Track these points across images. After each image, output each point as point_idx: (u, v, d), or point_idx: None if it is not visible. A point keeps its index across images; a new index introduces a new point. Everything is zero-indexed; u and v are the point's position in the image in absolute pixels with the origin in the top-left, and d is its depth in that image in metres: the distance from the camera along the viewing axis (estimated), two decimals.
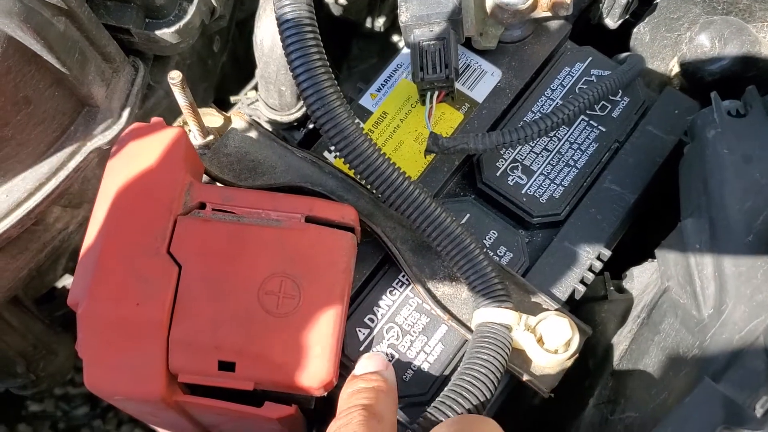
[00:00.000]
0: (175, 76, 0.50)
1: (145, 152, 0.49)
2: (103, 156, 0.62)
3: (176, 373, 0.45)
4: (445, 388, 0.44)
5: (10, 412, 1.25)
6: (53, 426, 1.30)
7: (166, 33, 0.61)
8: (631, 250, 0.61)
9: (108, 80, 0.61)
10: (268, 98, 0.61)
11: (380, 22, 0.85)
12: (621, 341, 0.53)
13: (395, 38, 0.91)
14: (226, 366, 0.45)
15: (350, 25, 0.92)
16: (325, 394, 0.47)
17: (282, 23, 0.46)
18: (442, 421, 0.41)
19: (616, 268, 0.60)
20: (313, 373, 0.45)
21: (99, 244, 0.46)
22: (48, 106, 0.57)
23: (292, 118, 0.63)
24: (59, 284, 0.81)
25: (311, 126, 0.63)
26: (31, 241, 0.65)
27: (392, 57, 0.61)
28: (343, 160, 0.49)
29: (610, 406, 0.49)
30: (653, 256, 0.57)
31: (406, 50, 0.59)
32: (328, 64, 0.47)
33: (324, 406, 0.68)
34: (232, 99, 0.66)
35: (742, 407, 0.37)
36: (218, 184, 0.54)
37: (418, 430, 0.42)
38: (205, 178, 0.54)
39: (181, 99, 0.52)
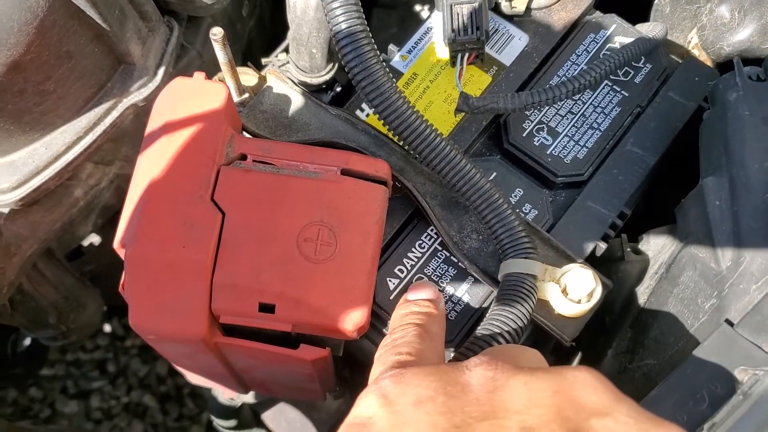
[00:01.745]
0: (216, 32, 0.52)
1: (188, 105, 0.50)
2: (137, 114, 0.64)
3: (218, 315, 0.47)
4: (477, 329, 0.46)
5: (21, 376, 1.27)
6: (64, 390, 1.33)
7: None
8: (646, 217, 0.63)
9: (144, 39, 0.63)
10: (299, 60, 0.63)
11: None
12: (639, 296, 0.55)
13: (416, 8, 0.93)
14: (267, 308, 0.47)
15: None
16: (358, 337, 0.49)
17: None
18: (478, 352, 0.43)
19: (631, 232, 0.62)
20: (348, 316, 0.47)
21: (146, 191, 0.48)
22: (88, 62, 0.59)
23: (321, 80, 0.64)
24: (86, 243, 0.84)
25: (338, 89, 0.65)
26: (65, 195, 0.67)
27: (421, 22, 0.63)
28: (378, 116, 0.51)
29: (629, 356, 0.51)
30: (666, 222, 0.59)
31: (436, 14, 0.61)
32: (367, 24, 0.49)
33: (345, 366, 0.71)
34: (263, 61, 0.67)
35: (759, 348, 0.39)
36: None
37: (462, 356, 0.44)
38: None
39: (221, 55, 0.54)
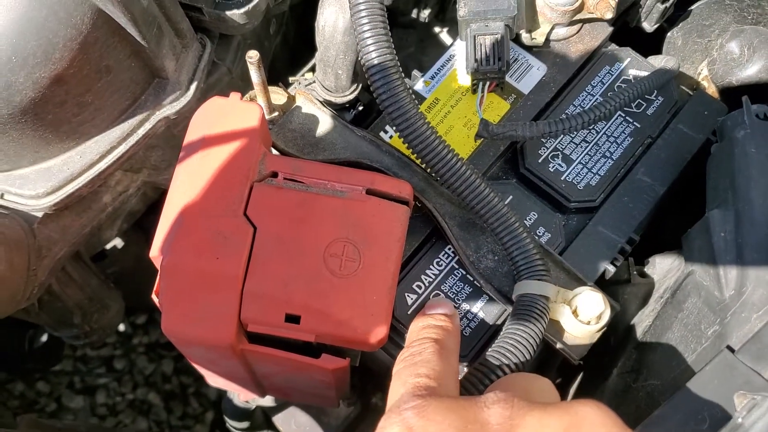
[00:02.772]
0: (252, 56, 0.54)
1: (224, 123, 0.53)
2: (167, 126, 0.67)
3: (246, 323, 0.49)
4: (490, 348, 0.48)
5: (33, 371, 1.29)
6: (70, 385, 1.35)
7: (235, 14, 0.65)
8: (652, 241, 0.65)
9: (178, 55, 0.65)
10: (325, 80, 0.66)
11: (425, 14, 0.89)
12: (644, 319, 0.57)
13: (435, 30, 0.95)
14: (292, 319, 0.49)
15: (390, 14, 0.96)
16: (377, 349, 0.51)
17: (355, 5, 0.51)
18: (491, 375, 0.46)
19: (638, 256, 0.65)
20: (370, 328, 0.49)
21: (183, 204, 0.50)
22: (125, 76, 0.61)
23: (345, 100, 0.67)
24: (108, 246, 0.86)
25: (360, 108, 0.68)
26: (95, 201, 0.69)
27: (436, 48, 0.66)
28: (402, 139, 0.53)
29: (633, 375, 0.54)
30: (673, 247, 0.62)
31: (459, 42, 0.64)
32: (394, 49, 0.52)
33: (355, 375, 0.73)
34: (290, 79, 0.70)
35: (758, 374, 0.42)
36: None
37: (474, 382, 0.46)
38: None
39: (255, 76, 0.56)
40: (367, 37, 0.50)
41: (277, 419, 0.81)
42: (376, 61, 0.51)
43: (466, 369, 0.49)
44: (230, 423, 0.80)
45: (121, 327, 1.37)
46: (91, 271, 0.76)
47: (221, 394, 0.99)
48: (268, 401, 0.74)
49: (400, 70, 0.52)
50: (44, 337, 1.04)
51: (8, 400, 1.30)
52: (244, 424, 0.79)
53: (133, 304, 0.92)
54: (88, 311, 0.77)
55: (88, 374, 1.34)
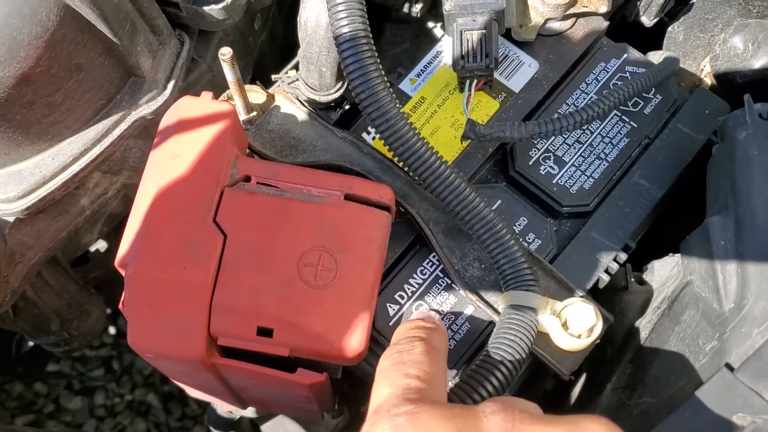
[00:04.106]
0: (225, 53, 0.52)
1: (194, 124, 0.50)
2: (145, 125, 0.65)
3: (216, 336, 0.47)
4: (474, 361, 0.46)
5: (28, 372, 1.28)
6: (68, 386, 1.34)
7: (213, 9, 0.62)
8: (651, 245, 0.62)
9: (155, 52, 0.63)
10: (309, 78, 0.63)
11: (417, 8, 0.87)
12: (640, 330, 0.55)
13: (429, 24, 0.93)
14: (265, 332, 0.47)
15: (385, 9, 0.94)
16: (356, 363, 0.49)
17: (333, 5, 0.48)
18: (479, 389, 0.43)
19: (636, 261, 0.62)
20: (346, 342, 0.47)
21: (149, 210, 0.48)
22: (97, 75, 0.59)
23: (330, 98, 0.64)
24: (92, 248, 0.84)
25: (347, 107, 0.65)
26: (72, 204, 0.67)
27: (431, 44, 0.63)
28: (383, 141, 0.50)
29: (628, 392, 0.51)
30: (673, 252, 0.59)
31: (446, 38, 0.61)
32: (374, 47, 0.49)
33: (345, 382, 0.71)
34: (273, 77, 0.68)
35: (758, 395, 0.39)
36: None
37: (461, 396, 0.44)
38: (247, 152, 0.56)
39: (229, 75, 0.54)
40: (343, 25, 0.48)
41: (265, 428, 0.79)
42: (351, 58, 0.48)
43: (451, 383, 0.46)
44: None
45: (118, 328, 1.36)
46: (70, 277, 0.74)
47: None
48: (252, 412, 0.72)
49: (380, 66, 0.50)
50: (31, 342, 1.03)
51: (6, 401, 1.30)
52: None
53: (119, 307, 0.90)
54: (66, 318, 0.75)
55: (87, 375, 1.33)
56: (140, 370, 1.36)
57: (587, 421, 0.34)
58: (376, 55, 0.50)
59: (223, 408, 0.72)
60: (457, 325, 0.53)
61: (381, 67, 0.50)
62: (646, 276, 0.62)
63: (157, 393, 1.34)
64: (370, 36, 0.49)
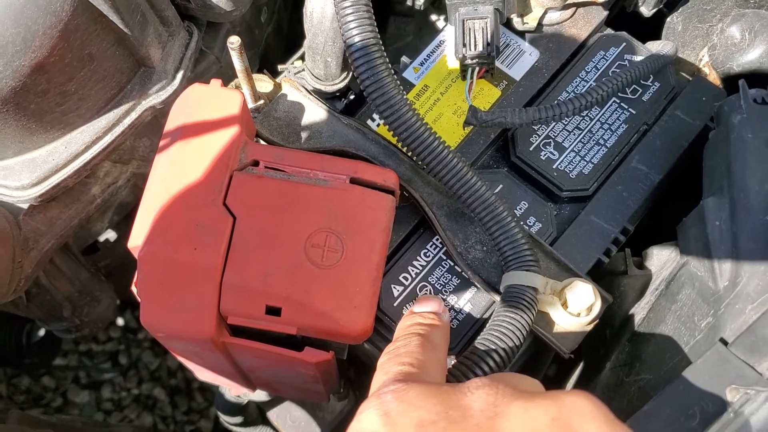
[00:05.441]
0: (234, 41, 0.53)
1: (204, 111, 0.52)
2: (154, 116, 0.66)
3: (226, 316, 0.48)
4: (476, 341, 0.47)
5: (35, 365, 1.29)
6: (76, 380, 1.35)
7: (221, 1, 0.64)
8: (650, 234, 0.64)
9: (164, 43, 0.64)
10: (314, 68, 0.64)
11: (420, 1, 0.88)
12: (639, 311, 0.56)
13: (433, 17, 0.94)
14: (273, 311, 0.48)
15: (388, 2, 0.95)
16: (361, 342, 0.50)
17: None
18: (476, 368, 0.45)
19: (636, 250, 0.63)
20: (352, 321, 0.48)
21: (160, 193, 0.49)
22: (109, 64, 0.60)
23: (335, 88, 0.65)
24: (101, 238, 0.86)
25: (352, 97, 0.67)
26: (83, 192, 0.69)
27: (433, 34, 0.64)
28: (387, 127, 0.52)
29: (626, 369, 0.52)
30: (671, 238, 0.60)
31: (448, 27, 0.62)
32: (379, 36, 0.51)
33: (351, 367, 0.72)
34: (279, 67, 0.69)
35: (751, 368, 0.40)
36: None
37: (463, 370, 0.45)
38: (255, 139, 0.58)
39: (237, 63, 0.55)
40: (350, 20, 0.49)
41: (272, 414, 0.80)
42: (359, 45, 0.49)
43: (454, 361, 0.48)
44: (223, 418, 0.79)
45: (125, 322, 1.37)
46: (81, 264, 0.76)
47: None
48: (260, 396, 0.73)
49: (385, 54, 0.51)
50: (41, 331, 1.04)
51: (15, 395, 1.31)
52: (238, 419, 0.79)
53: (129, 298, 0.91)
54: (78, 304, 0.76)
55: (94, 369, 1.34)
56: (147, 364, 1.37)
57: (569, 396, 0.35)
58: (381, 44, 0.51)
59: (231, 392, 0.74)
60: (459, 305, 0.54)
61: (386, 55, 0.51)
62: (645, 261, 0.63)
63: (164, 387, 1.35)
64: (375, 26, 0.51)
